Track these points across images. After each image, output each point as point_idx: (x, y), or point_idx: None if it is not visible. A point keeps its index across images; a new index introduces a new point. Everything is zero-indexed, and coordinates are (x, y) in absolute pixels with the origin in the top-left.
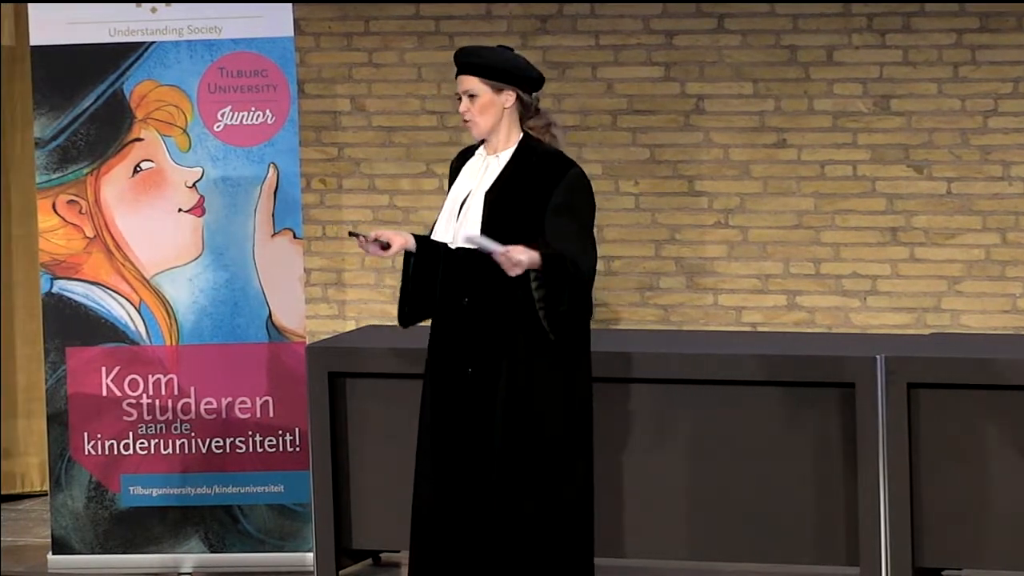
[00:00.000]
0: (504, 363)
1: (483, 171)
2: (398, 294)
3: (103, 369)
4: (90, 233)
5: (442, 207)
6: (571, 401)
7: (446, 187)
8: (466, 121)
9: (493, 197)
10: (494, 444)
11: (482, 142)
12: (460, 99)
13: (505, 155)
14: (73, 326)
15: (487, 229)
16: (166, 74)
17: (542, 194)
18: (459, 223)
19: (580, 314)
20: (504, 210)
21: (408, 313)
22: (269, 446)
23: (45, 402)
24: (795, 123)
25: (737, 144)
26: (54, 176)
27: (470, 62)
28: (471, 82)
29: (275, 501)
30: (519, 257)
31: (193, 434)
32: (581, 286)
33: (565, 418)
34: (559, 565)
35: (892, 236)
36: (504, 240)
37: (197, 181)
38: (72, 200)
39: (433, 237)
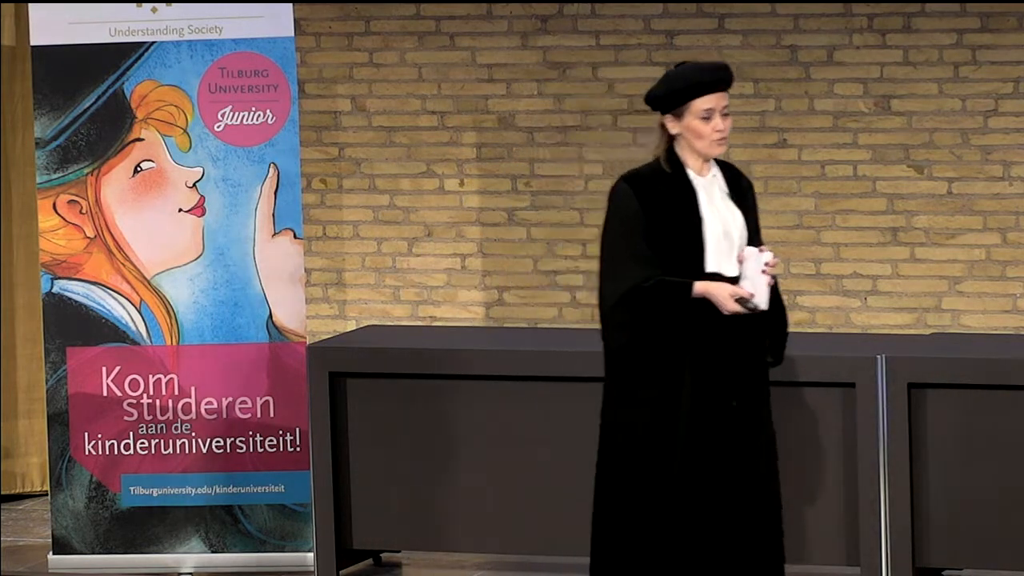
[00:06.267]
0: (763, 393)
1: (720, 193)
2: (640, 321)
3: (104, 369)
4: (90, 233)
5: (673, 240)
6: None
7: (614, 223)
8: (714, 139)
9: (744, 213)
10: (756, 471)
11: (655, 163)
12: (707, 116)
13: (714, 169)
14: (74, 326)
15: (752, 244)
16: (167, 74)
17: (749, 200)
18: (736, 249)
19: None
20: (750, 223)
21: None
22: (269, 446)
23: (46, 402)
24: (796, 123)
25: (738, 144)
26: (54, 176)
27: (731, 78)
28: (727, 100)
29: (275, 501)
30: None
31: (193, 434)
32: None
33: None
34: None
35: (893, 236)
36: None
37: (197, 181)
38: (72, 200)
39: (711, 269)
